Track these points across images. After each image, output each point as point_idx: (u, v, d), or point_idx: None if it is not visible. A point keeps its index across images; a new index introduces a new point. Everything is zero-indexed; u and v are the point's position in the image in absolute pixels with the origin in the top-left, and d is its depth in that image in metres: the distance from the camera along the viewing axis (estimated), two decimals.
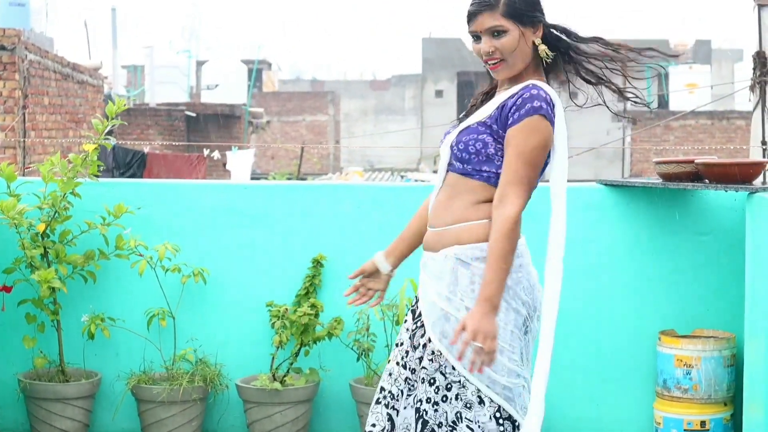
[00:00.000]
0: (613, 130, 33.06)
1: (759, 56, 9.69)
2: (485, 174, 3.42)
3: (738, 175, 5.15)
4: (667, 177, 5.53)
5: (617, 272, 5.90)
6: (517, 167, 3.35)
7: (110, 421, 6.05)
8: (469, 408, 3.36)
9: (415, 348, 3.50)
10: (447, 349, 3.36)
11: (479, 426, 3.36)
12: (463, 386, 3.36)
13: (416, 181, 20.79)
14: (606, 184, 5.96)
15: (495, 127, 3.42)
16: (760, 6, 9.69)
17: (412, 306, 3.61)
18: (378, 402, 3.58)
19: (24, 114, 12.49)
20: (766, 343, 4.78)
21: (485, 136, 3.42)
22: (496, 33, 3.43)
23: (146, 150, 17.27)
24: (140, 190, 6.11)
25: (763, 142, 9.61)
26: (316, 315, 5.76)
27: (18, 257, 5.80)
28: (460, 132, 3.49)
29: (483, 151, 3.42)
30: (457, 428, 3.36)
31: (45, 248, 5.78)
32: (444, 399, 3.37)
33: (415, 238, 3.75)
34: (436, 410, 3.38)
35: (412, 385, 3.49)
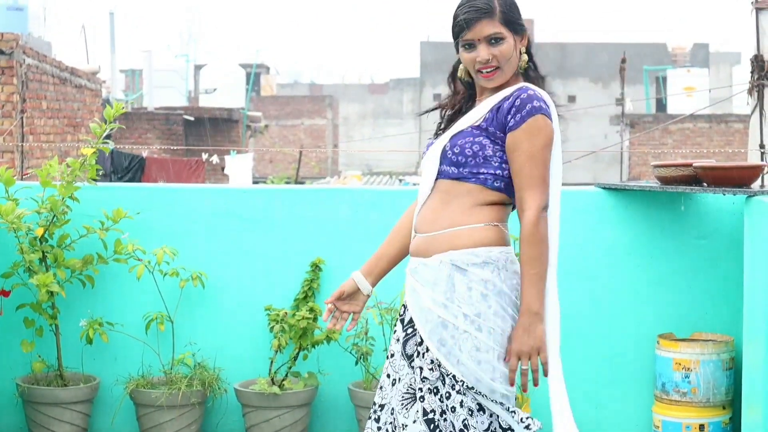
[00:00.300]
0: (611, 134, 33.11)
1: (757, 59, 9.69)
2: (482, 176, 3.39)
3: (736, 179, 5.15)
4: (665, 180, 5.53)
5: (616, 276, 5.90)
6: (530, 171, 3.34)
7: (109, 426, 6.05)
8: (471, 415, 3.34)
9: (408, 357, 3.44)
10: (445, 357, 3.32)
11: None
12: (464, 394, 3.33)
13: (415, 184, 20.79)
14: (604, 188, 5.96)
15: (491, 129, 3.39)
16: (758, 9, 9.69)
17: (400, 315, 3.55)
18: (369, 418, 3.54)
19: (22, 118, 12.49)
20: (765, 346, 4.78)
21: (481, 138, 3.40)
22: (494, 40, 3.41)
23: (145, 154, 17.25)
24: (139, 195, 6.11)
25: (761, 145, 9.61)
26: (315, 319, 5.76)
27: (16, 261, 5.80)
28: (453, 137, 3.44)
29: (480, 153, 3.39)
30: None
31: (43, 252, 5.78)
32: (448, 408, 3.33)
33: (397, 254, 3.68)
34: (445, 419, 3.33)
35: (409, 399, 3.44)
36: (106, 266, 5.90)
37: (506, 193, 3.42)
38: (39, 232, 5.72)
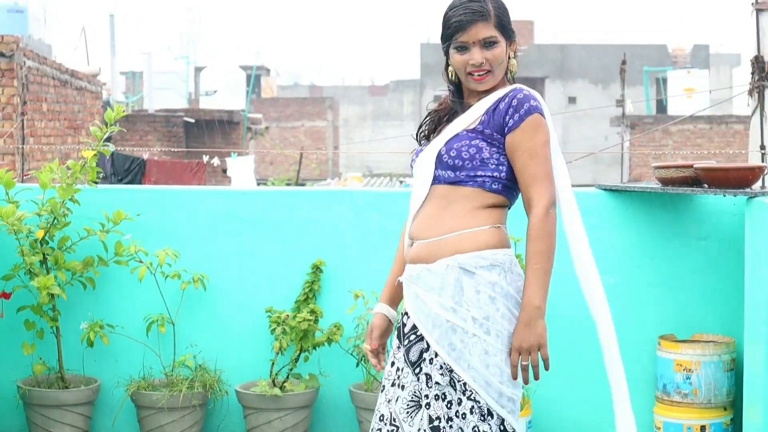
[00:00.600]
0: (611, 135, 33.09)
1: (757, 61, 9.69)
2: (479, 179, 3.38)
3: (737, 180, 5.15)
4: (666, 182, 5.53)
5: (616, 277, 5.89)
6: (534, 168, 3.34)
7: (110, 428, 6.05)
8: (484, 420, 3.32)
9: (412, 364, 3.41)
10: (456, 362, 3.30)
11: None
12: (475, 400, 3.31)
13: None
14: (605, 189, 5.96)
15: (488, 131, 3.38)
16: (758, 11, 9.69)
17: (397, 323, 3.53)
18: (373, 430, 3.52)
19: (22, 121, 12.49)
20: (766, 347, 4.78)
21: (478, 141, 3.38)
22: (489, 44, 3.40)
23: (145, 156, 17.24)
24: (139, 197, 6.11)
25: (762, 147, 9.61)
26: (316, 321, 5.76)
27: (17, 264, 5.80)
28: (449, 141, 3.42)
29: (477, 156, 3.37)
30: None
31: (44, 255, 5.78)
32: (457, 414, 3.31)
33: None
34: (451, 426, 3.31)
35: (414, 407, 3.43)
36: (106, 268, 5.90)
37: (504, 195, 3.41)
38: (39, 234, 5.72)
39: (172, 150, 18.73)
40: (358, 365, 5.82)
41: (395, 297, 3.65)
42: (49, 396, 5.76)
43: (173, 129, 24.65)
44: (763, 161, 9.26)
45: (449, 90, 3.59)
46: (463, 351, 3.30)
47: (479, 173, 3.38)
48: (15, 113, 12.36)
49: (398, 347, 3.47)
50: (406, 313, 3.47)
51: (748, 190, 5.12)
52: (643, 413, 5.88)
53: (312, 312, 5.75)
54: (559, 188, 3.46)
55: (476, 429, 3.30)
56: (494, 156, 3.38)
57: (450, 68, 3.52)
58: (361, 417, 5.74)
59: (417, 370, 3.40)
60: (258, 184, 23.33)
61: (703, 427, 5.58)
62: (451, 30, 3.43)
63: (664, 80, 33.71)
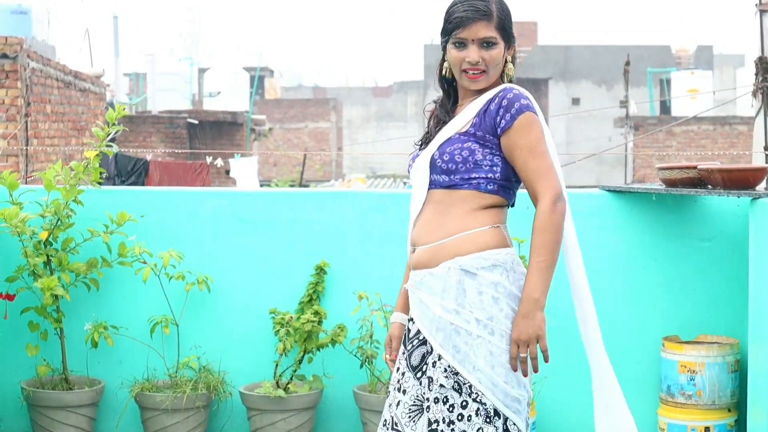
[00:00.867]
0: (615, 136, 33.07)
1: (761, 61, 9.70)
2: (474, 182, 3.38)
3: (741, 181, 5.15)
4: (669, 183, 5.52)
5: (620, 278, 5.89)
6: (535, 163, 3.33)
7: (114, 429, 6.05)
8: (489, 422, 3.31)
9: (413, 368, 3.41)
10: (461, 364, 3.29)
11: None
12: (481, 402, 3.30)
13: None
14: (608, 190, 5.96)
15: (480, 133, 3.37)
16: (762, 11, 9.70)
17: (406, 329, 3.52)
18: None
19: (26, 122, 12.50)
20: None
21: (470, 143, 3.38)
22: (487, 44, 3.40)
23: (149, 158, 17.26)
24: (143, 198, 6.11)
25: (766, 147, 9.61)
26: (320, 322, 5.76)
27: (21, 265, 5.80)
28: (441, 145, 3.42)
29: (470, 158, 3.37)
30: None
31: (48, 256, 5.78)
32: (460, 418, 3.29)
33: None
34: (452, 430, 3.30)
35: (416, 411, 3.42)
36: (110, 270, 5.90)
37: (501, 194, 3.41)
38: (43, 235, 5.72)
39: (176, 151, 18.75)
40: (362, 366, 5.82)
41: (408, 304, 3.63)
42: (53, 397, 5.76)
43: (177, 130, 24.66)
44: (767, 162, 9.25)
45: (441, 87, 3.59)
46: (467, 353, 3.29)
47: (473, 175, 3.38)
48: (19, 115, 12.37)
49: (403, 352, 3.48)
50: (412, 319, 3.47)
51: (752, 191, 5.12)
52: (647, 415, 5.87)
53: (316, 313, 5.75)
54: None
55: (480, 431, 3.29)
56: (487, 157, 3.38)
57: (445, 64, 3.51)
58: (365, 418, 5.74)
59: (419, 374, 3.40)
60: (261, 186, 23.35)
61: (707, 429, 5.58)
62: (452, 25, 3.42)
63: (668, 81, 33.71)
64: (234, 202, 6.10)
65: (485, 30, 3.39)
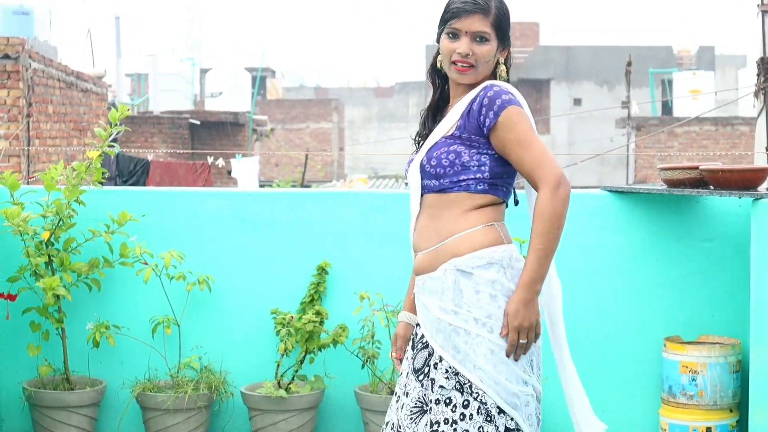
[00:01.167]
0: (617, 137, 33.08)
1: (763, 62, 9.70)
2: (464, 183, 3.38)
3: (743, 181, 5.15)
4: (671, 183, 5.52)
5: (622, 278, 5.89)
6: (528, 154, 3.31)
7: (115, 429, 6.05)
8: (490, 421, 3.31)
9: (416, 371, 3.42)
10: (461, 364, 3.30)
11: None
12: (483, 401, 3.30)
13: None
14: (610, 191, 5.96)
15: (465, 135, 3.37)
16: (764, 12, 9.70)
17: (413, 335, 3.54)
18: None
19: (28, 122, 12.51)
20: None
21: (456, 146, 3.38)
22: (480, 39, 3.39)
23: (150, 158, 17.25)
24: (144, 198, 6.12)
25: None
26: (321, 322, 5.75)
27: (22, 265, 5.80)
28: (429, 150, 3.43)
29: (457, 161, 3.37)
30: None
31: (49, 256, 5.78)
32: (462, 417, 3.29)
33: None
34: (455, 429, 3.29)
35: (417, 413, 3.43)
36: (112, 270, 5.90)
37: (492, 193, 3.40)
38: (45, 235, 5.72)
39: (178, 152, 18.76)
40: (363, 367, 5.82)
41: (415, 304, 3.65)
42: (54, 397, 5.76)
43: (179, 131, 24.67)
44: None
45: (432, 81, 3.59)
46: (468, 353, 3.29)
47: (462, 177, 3.38)
48: (21, 115, 12.38)
49: (407, 358, 3.50)
50: (419, 324, 3.49)
51: (753, 191, 5.12)
52: (649, 415, 5.87)
53: (317, 313, 5.75)
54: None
55: (481, 430, 3.29)
56: (474, 158, 3.38)
57: (439, 57, 3.51)
58: (367, 418, 5.74)
59: (421, 377, 3.41)
60: (262, 186, 23.34)
61: (708, 429, 5.57)
62: (449, 15, 3.42)
63: (670, 82, 33.70)
64: (235, 202, 6.10)
65: (480, 24, 3.38)
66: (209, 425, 5.91)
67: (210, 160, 17.15)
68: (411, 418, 3.41)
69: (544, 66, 39.63)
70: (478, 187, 3.38)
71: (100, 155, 5.91)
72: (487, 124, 3.34)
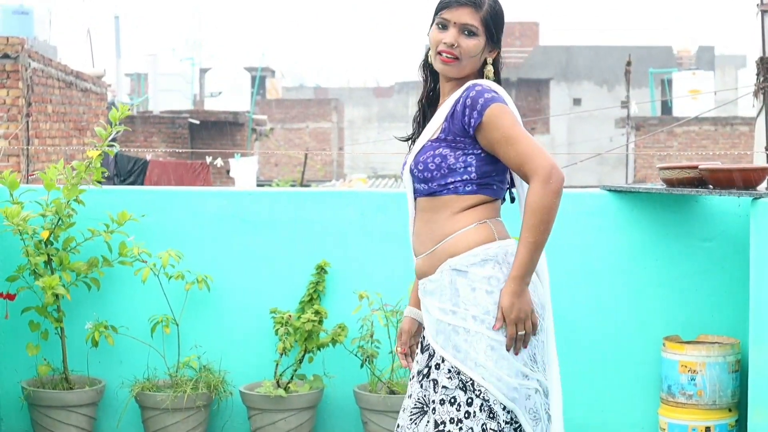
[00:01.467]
0: (616, 137, 33.07)
1: (762, 62, 9.69)
2: (452, 186, 3.39)
3: (742, 181, 5.15)
4: (670, 183, 5.52)
5: (621, 278, 5.89)
6: (516, 149, 3.30)
7: (114, 429, 6.05)
8: (493, 417, 3.31)
9: (418, 373, 3.44)
10: (462, 362, 3.30)
11: None
12: (485, 398, 3.30)
13: None
14: (610, 190, 5.96)
15: (450, 137, 3.38)
16: (764, 12, 9.69)
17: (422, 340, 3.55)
18: None
19: (27, 122, 12.51)
20: None
21: (441, 149, 3.38)
22: (468, 32, 3.39)
23: (149, 157, 17.26)
24: (144, 197, 6.11)
25: (767, 148, 9.61)
26: (320, 321, 5.75)
27: (22, 264, 5.80)
28: (416, 155, 3.44)
29: (443, 164, 3.38)
30: None
31: (49, 255, 5.78)
32: (467, 415, 3.30)
33: None
34: (460, 428, 3.30)
35: (417, 414, 3.43)
36: (111, 269, 5.90)
37: (481, 193, 3.40)
38: (44, 235, 5.72)
39: (177, 151, 18.76)
40: (362, 366, 5.82)
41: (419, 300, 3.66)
42: (53, 397, 5.76)
43: (178, 130, 24.67)
44: None
45: (424, 75, 3.59)
46: (468, 351, 3.30)
47: (449, 180, 3.39)
48: (20, 115, 12.38)
49: (416, 362, 3.51)
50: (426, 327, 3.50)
51: (753, 191, 5.12)
52: (648, 414, 5.87)
53: (316, 313, 5.75)
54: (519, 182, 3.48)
55: (484, 427, 3.29)
56: (460, 159, 3.38)
57: (430, 51, 3.51)
58: (366, 418, 5.74)
59: (420, 378, 3.43)
60: (261, 185, 23.34)
61: (707, 429, 5.57)
62: (441, 5, 3.43)
63: (669, 82, 33.69)
64: (234, 201, 6.10)
65: (469, 17, 3.38)
66: (208, 424, 5.91)
67: (209, 159, 17.16)
68: (410, 419, 3.43)
69: (543, 66, 39.64)
70: (467, 189, 3.39)
71: (99, 155, 5.91)
72: (472, 124, 3.34)
